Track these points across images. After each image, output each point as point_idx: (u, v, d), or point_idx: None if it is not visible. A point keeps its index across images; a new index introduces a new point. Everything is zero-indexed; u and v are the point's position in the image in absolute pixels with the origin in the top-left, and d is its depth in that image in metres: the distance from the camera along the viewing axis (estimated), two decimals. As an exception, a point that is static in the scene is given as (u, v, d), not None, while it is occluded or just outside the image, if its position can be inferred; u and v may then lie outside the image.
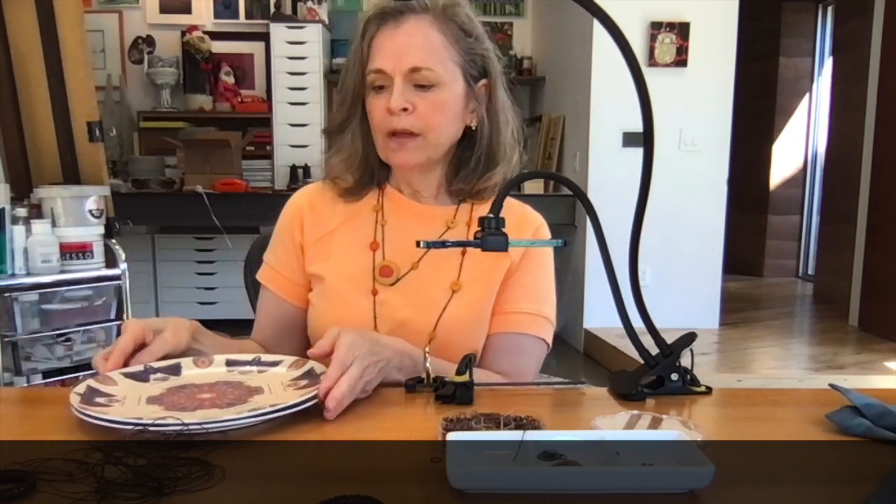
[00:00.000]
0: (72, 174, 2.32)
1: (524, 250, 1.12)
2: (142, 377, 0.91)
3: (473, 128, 1.10)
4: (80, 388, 0.85)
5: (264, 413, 0.78)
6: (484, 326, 1.11)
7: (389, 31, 1.04)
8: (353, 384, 0.84)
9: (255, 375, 0.94)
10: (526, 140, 1.17)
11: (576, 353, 4.27)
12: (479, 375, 1.05)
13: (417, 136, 1.05)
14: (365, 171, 1.13)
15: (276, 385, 0.90)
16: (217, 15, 5.25)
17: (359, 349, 0.88)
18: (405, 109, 1.03)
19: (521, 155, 1.15)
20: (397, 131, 1.04)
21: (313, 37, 4.87)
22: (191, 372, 0.95)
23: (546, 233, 1.17)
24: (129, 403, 0.84)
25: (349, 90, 1.09)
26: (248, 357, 0.98)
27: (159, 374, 0.93)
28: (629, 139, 4.04)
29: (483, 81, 1.10)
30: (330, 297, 1.09)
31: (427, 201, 1.14)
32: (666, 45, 4.01)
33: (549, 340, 1.14)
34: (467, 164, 1.12)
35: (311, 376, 0.91)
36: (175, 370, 0.95)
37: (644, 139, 0.93)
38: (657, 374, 0.96)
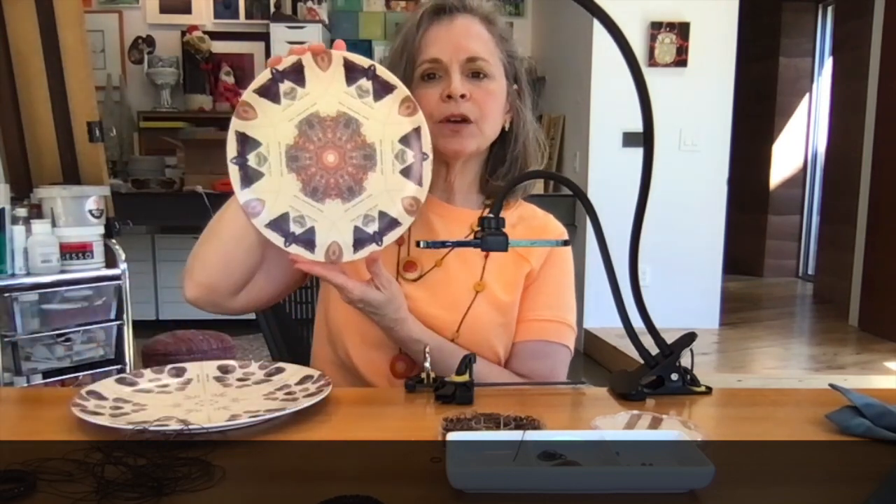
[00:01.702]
0: (72, 174, 2.32)
1: (546, 258, 1.13)
2: (273, 96, 0.91)
3: (507, 128, 1.14)
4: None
5: (264, 418, 0.79)
6: (509, 331, 1.12)
7: (444, 25, 1.09)
8: (325, 274, 0.93)
9: (369, 109, 0.93)
10: (544, 146, 1.20)
11: (576, 353, 4.26)
12: (503, 374, 1.07)
13: (472, 123, 1.08)
14: None
15: (386, 142, 0.93)
16: (217, 15, 5.25)
17: (395, 292, 0.96)
18: (463, 96, 1.06)
19: (543, 161, 1.19)
20: (454, 116, 1.07)
21: (313, 37, 4.87)
22: (313, 86, 0.92)
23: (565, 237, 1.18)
24: (275, 173, 0.92)
25: None
26: (366, 63, 0.93)
27: (286, 83, 0.91)
28: (629, 139, 4.04)
29: (515, 85, 1.14)
30: None
31: (455, 202, 1.16)
32: (666, 45, 4.01)
33: (572, 347, 1.15)
34: (503, 164, 1.15)
35: (413, 142, 0.94)
36: (299, 78, 0.92)
37: (644, 139, 0.93)
38: (657, 374, 0.96)
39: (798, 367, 3.61)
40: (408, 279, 1.10)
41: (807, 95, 6.08)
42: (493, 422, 0.78)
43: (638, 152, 0.97)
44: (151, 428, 0.74)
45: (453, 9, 1.09)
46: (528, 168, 1.16)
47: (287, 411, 0.81)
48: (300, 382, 0.93)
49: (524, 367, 1.11)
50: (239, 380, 0.96)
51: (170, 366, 0.97)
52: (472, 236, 1.12)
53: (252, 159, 0.92)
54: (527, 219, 1.16)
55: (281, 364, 0.99)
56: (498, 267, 1.11)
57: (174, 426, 0.75)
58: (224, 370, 0.98)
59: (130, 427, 0.74)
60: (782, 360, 3.75)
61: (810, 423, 0.84)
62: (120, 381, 0.92)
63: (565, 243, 1.08)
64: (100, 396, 0.86)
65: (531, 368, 1.11)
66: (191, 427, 0.75)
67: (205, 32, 5.15)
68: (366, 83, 0.93)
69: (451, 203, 1.15)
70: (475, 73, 1.07)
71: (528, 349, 1.12)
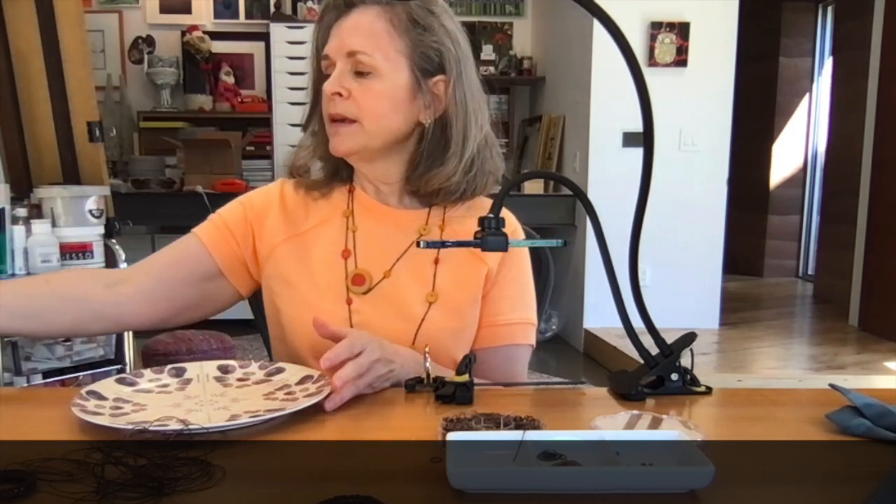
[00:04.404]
0: (72, 174, 2.32)
1: (502, 256, 1.10)
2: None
3: (426, 124, 1.06)
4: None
5: (264, 418, 0.79)
6: (468, 332, 1.10)
7: (342, 18, 1.05)
8: (359, 371, 0.87)
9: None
10: (491, 138, 1.12)
11: (576, 353, 4.27)
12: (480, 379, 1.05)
13: (354, 122, 1.03)
14: (328, 165, 1.12)
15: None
16: (217, 15, 5.25)
17: (370, 343, 0.91)
18: (340, 94, 1.02)
19: (496, 156, 1.11)
20: (332, 116, 1.04)
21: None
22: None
23: (521, 235, 1.16)
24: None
25: (311, 80, 1.09)
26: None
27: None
28: (629, 139, 4.04)
29: (440, 77, 1.05)
30: (304, 307, 1.07)
31: (395, 203, 1.12)
32: (666, 45, 4.01)
33: (534, 342, 1.15)
34: (424, 161, 1.08)
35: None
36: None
37: (644, 139, 0.93)
38: (657, 374, 0.96)
39: (798, 367, 3.62)
40: (357, 293, 1.07)
41: (807, 95, 6.08)
42: (493, 422, 0.78)
43: (638, 152, 0.97)
44: (151, 428, 0.74)
45: (350, 3, 1.04)
46: (440, 165, 1.06)
47: (287, 411, 0.81)
48: (300, 382, 0.93)
49: (497, 373, 1.09)
50: (239, 380, 0.96)
51: (170, 366, 0.97)
52: (420, 238, 1.08)
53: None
54: (477, 209, 1.10)
55: (281, 364, 0.99)
56: (451, 271, 1.09)
57: (174, 426, 0.75)
58: (224, 370, 0.98)
59: (130, 427, 0.74)
60: (782, 360, 3.75)
61: (810, 423, 0.84)
62: (120, 381, 0.92)
63: (565, 244, 1.08)
64: (100, 396, 0.86)
65: (504, 375, 1.09)
66: (191, 427, 0.75)
67: (205, 32, 5.15)
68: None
69: (388, 205, 1.12)
70: (359, 71, 1.02)
71: (500, 355, 1.11)
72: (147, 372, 0.95)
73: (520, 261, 1.14)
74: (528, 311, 1.13)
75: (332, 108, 1.03)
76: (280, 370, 0.98)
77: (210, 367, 0.98)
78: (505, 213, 1.12)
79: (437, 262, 1.09)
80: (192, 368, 0.97)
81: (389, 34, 1.03)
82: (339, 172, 1.13)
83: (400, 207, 1.12)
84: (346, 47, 1.02)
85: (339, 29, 1.04)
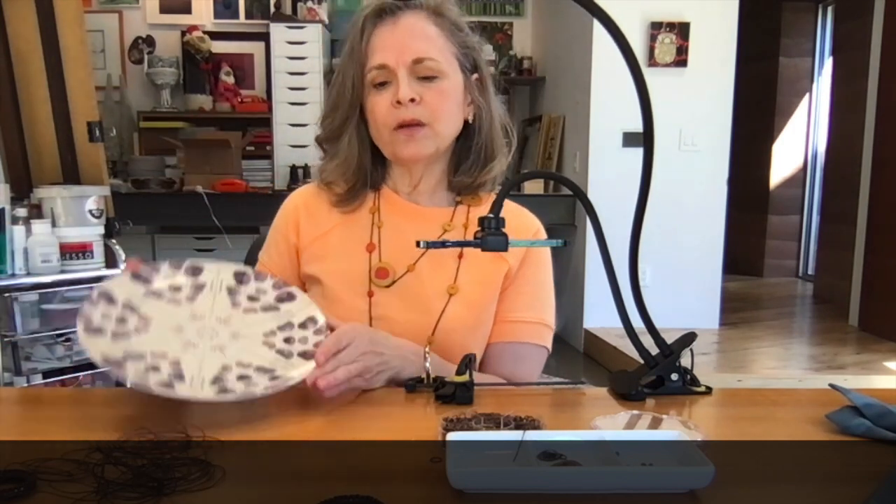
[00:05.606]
0: (72, 174, 2.32)
1: (524, 256, 1.12)
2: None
3: (471, 121, 1.12)
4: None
5: (252, 395, 0.80)
6: (483, 330, 1.11)
7: (387, 27, 1.05)
8: (336, 367, 0.87)
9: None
10: (512, 133, 1.18)
11: (576, 353, 4.27)
12: (481, 378, 1.05)
13: (426, 126, 1.05)
14: (359, 177, 1.12)
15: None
16: (217, 15, 5.25)
17: (359, 336, 0.91)
18: (413, 100, 1.03)
19: (510, 149, 1.17)
20: (406, 122, 1.04)
21: (313, 37, 4.87)
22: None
23: (543, 237, 1.17)
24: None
25: (347, 92, 1.08)
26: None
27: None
28: (629, 139, 4.04)
29: (475, 75, 1.12)
30: (326, 299, 1.09)
31: (424, 202, 1.14)
32: (666, 45, 4.01)
33: (550, 346, 1.15)
34: (467, 158, 1.13)
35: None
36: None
37: (644, 139, 0.93)
38: (657, 374, 0.96)
39: (798, 367, 3.61)
40: (380, 286, 1.09)
41: (807, 95, 6.08)
42: (493, 422, 0.78)
43: (638, 152, 0.97)
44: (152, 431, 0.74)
45: (395, 8, 1.05)
46: (494, 157, 1.13)
47: (273, 390, 0.81)
48: (303, 326, 0.92)
49: (504, 369, 1.10)
50: (249, 298, 0.94)
51: (188, 261, 0.94)
52: (443, 235, 1.12)
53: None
54: (502, 213, 1.14)
55: (293, 290, 0.97)
56: (473, 267, 1.10)
57: (174, 434, 0.75)
58: (239, 279, 0.96)
59: (131, 430, 0.74)
60: (782, 360, 3.75)
61: (810, 423, 0.84)
62: (136, 278, 0.90)
63: (565, 244, 1.08)
64: (110, 299, 0.85)
65: (511, 372, 1.10)
66: (191, 437, 0.75)
67: (205, 32, 5.15)
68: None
69: (418, 203, 1.14)
70: (424, 76, 1.04)
71: (509, 351, 1.11)
72: (164, 268, 0.93)
73: (540, 261, 1.15)
74: (542, 313, 1.13)
75: (405, 114, 1.04)
76: (291, 297, 0.96)
77: (227, 272, 0.96)
78: (526, 213, 1.17)
79: (460, 256, 1.10)
80: (209, 272, 0.95)
81: (442, 37, 1.07)
82: (367, 185, 1.13)
83: (429, 206, 1.14)
84: (412, 54, 1.04)
85: (393, 37, 1.05)
